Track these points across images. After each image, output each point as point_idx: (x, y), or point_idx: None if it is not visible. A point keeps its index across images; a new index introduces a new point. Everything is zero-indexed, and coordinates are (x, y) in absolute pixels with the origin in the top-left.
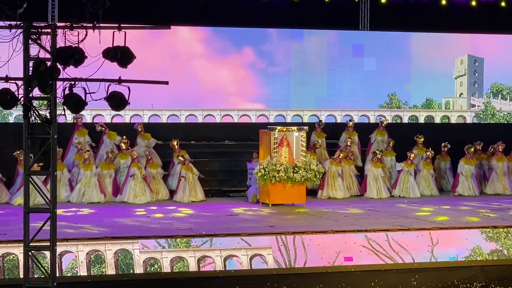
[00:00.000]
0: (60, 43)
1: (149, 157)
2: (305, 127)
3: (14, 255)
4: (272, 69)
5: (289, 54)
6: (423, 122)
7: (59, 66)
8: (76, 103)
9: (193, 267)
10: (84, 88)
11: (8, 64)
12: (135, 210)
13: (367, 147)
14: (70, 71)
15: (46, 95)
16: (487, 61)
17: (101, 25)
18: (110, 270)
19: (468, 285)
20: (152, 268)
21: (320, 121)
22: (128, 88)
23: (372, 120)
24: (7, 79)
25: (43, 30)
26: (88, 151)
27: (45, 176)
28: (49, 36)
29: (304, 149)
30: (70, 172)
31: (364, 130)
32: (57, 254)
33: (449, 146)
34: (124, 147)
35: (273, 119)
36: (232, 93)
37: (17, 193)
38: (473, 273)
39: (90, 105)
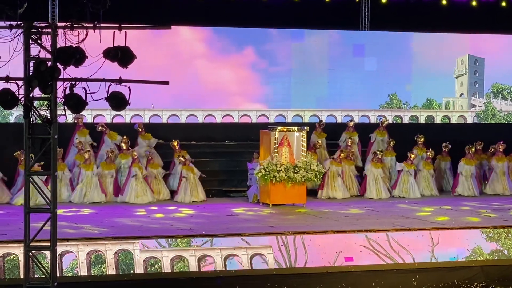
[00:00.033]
0: (60, 43)
1: (150, 157)
2: (305, 127)
3: (14, 255)
4: (273, 69)
5: (290, 54)
6: (423, 122)
7: (59, 66)
8: (76, 103)
9: (193, 266)
10: (84, 88)
11: (9, 64)
12: (136, 210)
13: (367, 147)
14: (71, 71)
15: (46, 95)
16: (487, 61)
17: (101, 25)
18: (111, 270)
19: (468, 285)
20: (153, 268)
21: (321, 121)
22: (129, 88)
23: (373, 120)
24: (7, 79)
25: (43, 30)
26: (88, 151)
27: (46, 176)
28: (49, 36)
29: (305, 149)
30: (71, 172)
31: (365, 130)
32: (57, 254)
33: (449, 146)
34: (124, 147)
35: (273, 119)
36: (233, 93)
37: (18, 193)
38: (473, 273)
39: (90, 105)
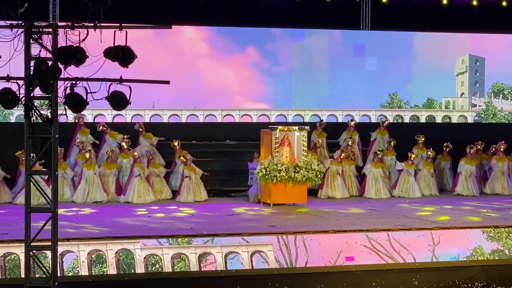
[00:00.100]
0: (61, 42)
1: (151, 157)
2: (306, 127)
3: (15, 255)
4: (274, 68)
5: (291, 54)
6: (424, 121)
7: (60, 65)
8: (77, 103)
9: (193, 263)
10: (85, 87)
11: (10, 64)
12: (136, 210)
13: (367, 147)
14: (71, 71)
15: (47, 95)
16: (488, 61)
17: (102, 24)
18: (111, 270)
19: (469, 285)
20: (153, 267)
21: (321, 120)
22: (129, 87)
23: (373, 120)
24: (8, 78)
25: (44, 30)
26: (89, 150)
27: (47, 176)
28: (50, 36)
29: (306, 148)
30: (73, 171)
31: (365, 130)
32: (58, 253)
33: (450, 146)
34: (125, 146)
35: (274, 118)
36: (235, 92)
37: (20, 193)
38: (474, 273)
39: (91, 104)
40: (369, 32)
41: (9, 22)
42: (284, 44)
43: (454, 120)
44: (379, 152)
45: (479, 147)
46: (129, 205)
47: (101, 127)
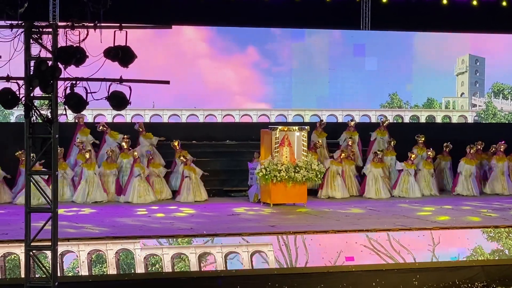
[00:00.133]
0: (61, 42)
1: (151, 157)
2: (306, 127)
3: (15, 255)
4: (274, 68)
5: (291, 54)
6: (424, 121)
7: (60, 65)
8: (77, 103)
9: (193, 263)
10: (85, 87)
11: (10, 64)
12: (136, 210)
13: (368, 147)
14: (71, 71)
15: (47, 95)
16: (488, 61)
17: (102, 24)
18: (111, 270)
19: (469, 285)
20: (153, 268)
21: (321, 120)
22: (129, 87)
23: (373, 120)
24: (8, 78)
25: (44, 30)
26: (89, 150)
27: (48, 176)
28: (50, 36)
29: (306, 148)
30: (73, 171)
31: (365, 130)
32: (58, 253)
33: (451, 146)
34: (125, 146)
35: (274, 118)
36: (235, 92)
37: (20, 193)
38: (474, 273)
39: (91, 104)
40: (369, 32)
41: (9, 22)
42: (284, 44)
43: (454, 120)
44: (379, 152)
45: (479, 147)
46: (129, 205)
47: (101, 127)
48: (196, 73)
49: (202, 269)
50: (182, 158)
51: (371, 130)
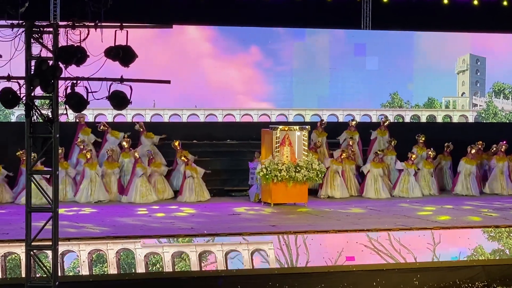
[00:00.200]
0: (62, 42)
1: (151, 157)
2: (307, 127)
3: (16, 255)
4: (275, 68)
5: (291, 53)
6: (425, 121)
7: (61, 65)
8: (78, 102)
9: (194, 262)
10: (86, 87)
11: (10, 63)
12: (137, 210)
13: (368, 146)
14: (72, 70)
15: (48, 94)
16: (489, 60)
17: (103, 24)
18: (112, 270)
19: (470, 284)
20: (154, 267)
21: (322, 120)
22: (130, 87)
23: (374, 120)
24: (9, 78)
25: (45, 29)
26: (90, 150)
27: (49, 175)
28: (51, 35)
29: (306, 148)
30: (75, 170)
31: (366, 130)
32: (59, 253)
33: (451, 146)
34: (126, 146)
35: (275, 118)
36: (238, 92)
37: (22, 193)
38: (475, 272)
39: (92, 104)
40: (370, 31)
41: (10, 21)
42: (286, 44)
43: (455, 119)
44: (379, 153)
45: (479, 147)
46: (130, 204)
47: (102, 127)
48: (199, 72)
49: (203, 269)
50: (183, 158)
51: (372, 129)
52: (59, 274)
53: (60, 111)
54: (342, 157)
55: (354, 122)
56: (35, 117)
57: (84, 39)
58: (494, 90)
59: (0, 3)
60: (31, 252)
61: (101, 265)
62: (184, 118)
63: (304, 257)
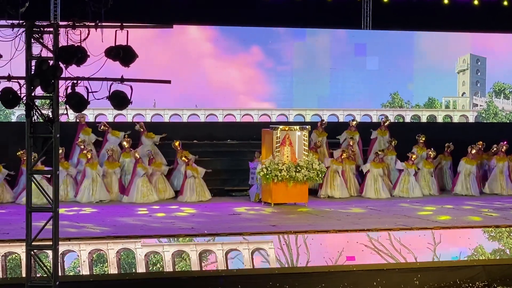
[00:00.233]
0: (62, 42)
1: (151, 157)
2: (307, 126)
3: (16, 254)
4: (275, 68)
5: (292, 53)
6: (425, 121)
7: (61, 65)
8: (78, 102)
9: (194, 262)
10: (86, 87)
11: (11, 63)
12: (138, 209)
13: (368, 146)
14: (73, 70)
15: (48, 94)
16: (489, 60)
17: (103, 24)
18: (113, 269)
19: (470, 284)
20: (154, 267)
21: (322, 120)
22: (131, 87)
23: (375, 120)
24: (9, 78)
25: (45, 29)
26: (90, 150)
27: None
28: (51, 35)
29: (307, 148)
30: (76, 169)
31: (366, 130)
32: (59, 253)
33: (452, 147)
34: (126, 146)
35: (275, 118)
36: (240, 92)
37: (23, 193)
38: (475, 272)
39: (92, 104)
40: (370, 31)
41: (10, 21)
42: (286, 44)
43: (455, 119)
44: (380, 153)
45: (479, 147)
46: (131, 204)
47: (102, 127)
48: (200, 72)
49: (203, 269)
50: (184, 159)
51: (372, 129)
52: (60, 274)
53: (60, 111)
54: (342, 157)
55: (354, 122)
56: (35, 117)
57: (85, 39)
58: (495, 90)
59: (0, 3)
60: (32, 252)
61: (101, 265)
62: (184, 118)
63: (305, 257)
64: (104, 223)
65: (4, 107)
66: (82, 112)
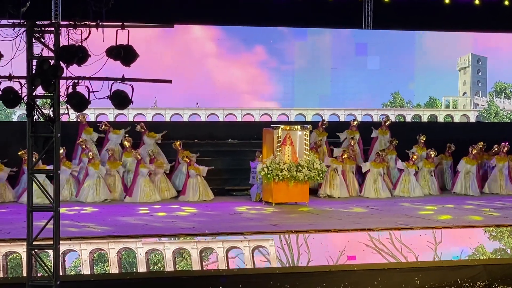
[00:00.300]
0: (63, 41)
1: (153, 156)
2: (308, 126)
3: (17, 254)
4: (276, 68)
5: (293, 53)
6: (426, 121)
7: (62, 64)
8: (79, 102)
9: (195, 260)
10: (87, 86)
11: (12, 63)
12: (138, 209)
13: (369, 146)
14: (74, 70)
15: (49, 94)
16: (490, 60)
17: (104, 23)
18: (113, 269)
19: (471, 284)
20: (155, 267)
21: (324, 120)
22: (132, 87)
23: (376, 119)
24: (10, 77)
25: (46, 29)
26: (91, 150)
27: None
28: (52, 35)
29: (308, 147)
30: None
31: (367, 129)
32: (60, 252)
33: (453, 148)
34: (128, 145)
35: (276, 117)
36: (243, 91)
37: (25, 192)
38: (476, 272)
39: (93, 103)
40: (372, 31)
41: (12, 21)
42: (288, 43)
43: (456, 119)
44: (381, 153)
45: (480, 147)
46: (132, 203)
47: (103, 126)
48: (203, 72)
49: (204, 268)
50: (185, 159)
51: (373, 128)
52: (61, 274)
53: (61, 111)
54: (343, 157)
55: (355, 122)
56: (36, 116)
57: (86, 39)
58: (496, 90)
59: (1, 3)
60: (33, 251)
61: (102, 264)
62: (185, 118)
63: (306, 256)
64: (105, 222)
65: (5, 107)
66: (83, 112)
